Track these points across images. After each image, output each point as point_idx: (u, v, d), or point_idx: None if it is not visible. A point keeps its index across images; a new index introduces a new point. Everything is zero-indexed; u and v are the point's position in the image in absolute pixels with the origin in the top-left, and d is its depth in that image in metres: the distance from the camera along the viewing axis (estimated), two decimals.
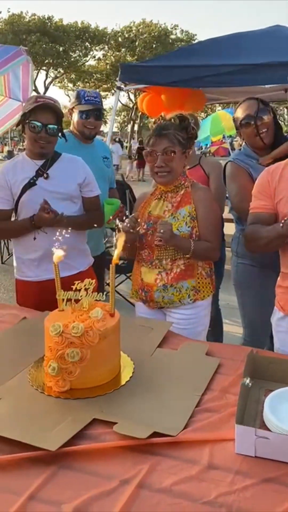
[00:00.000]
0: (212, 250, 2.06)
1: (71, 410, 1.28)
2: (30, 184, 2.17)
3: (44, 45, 29.85)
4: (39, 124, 2.09)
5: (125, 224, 2.01)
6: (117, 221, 2.41)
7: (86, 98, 2.68)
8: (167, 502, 0.97)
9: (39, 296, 2.17)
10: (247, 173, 2.34)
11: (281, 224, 1.66)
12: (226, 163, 2.51)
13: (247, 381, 1.26)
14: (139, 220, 2.05)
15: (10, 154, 27.78)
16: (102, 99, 2.81)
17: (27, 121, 2.11)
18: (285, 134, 2.50)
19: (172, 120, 2.03)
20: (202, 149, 21.31)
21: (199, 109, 4.88)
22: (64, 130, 2.87)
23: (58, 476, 1.06)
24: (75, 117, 2.73)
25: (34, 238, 2.19)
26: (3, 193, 2.20)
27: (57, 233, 1.63)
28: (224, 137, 12.53)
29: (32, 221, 2.14)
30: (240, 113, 2.38)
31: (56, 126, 2.13)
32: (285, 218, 1.65)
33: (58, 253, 1.49)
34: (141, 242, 2.08)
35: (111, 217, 2.53)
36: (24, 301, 2.26)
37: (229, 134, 11.71)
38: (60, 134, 2.20)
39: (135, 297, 2.20)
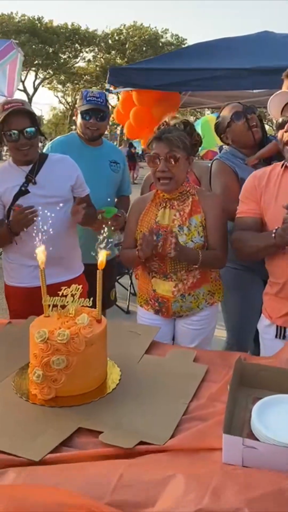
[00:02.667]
0: (219, 259, 2.04)
1: (56, 419, 1.26)
2: (22, 192, 2.12)
3: (33, 46, 29.72)
4: (15, 132, 2.02)
5: (143, 250, 1.91)
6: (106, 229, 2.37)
7: (88, 98, 2.59)
8: None
9: (32, 302, 2.07)
10: (232, 172, 2.33)
11: (273, 235, 1.65)
12: (213, 161, 2.49)
13: (229, 386, 1.25)
14: (139, 233, 2.00)
15: None
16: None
17: (1, 132, 2.05)
18: (269, 135, 2.49)
19: (177, 125, 1.98)
20: None
21: (172, 111, 4.84)
22: (71, 132, 2.87)
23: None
24: (79, 118, 2.65)
25: (16, 243, 2.13)
26: None
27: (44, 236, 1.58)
28: (217, 146, 12.57)
29: (8, 228, 2.07)
30: (227, 112, 2.38)
31: (33, 129, 2.06)
32: (276, 228, 1.64)
33: (40, 250, 1.45)
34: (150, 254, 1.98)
35: (106, 218, 2.47)
36: (16, 308, 2.22)
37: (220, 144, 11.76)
38: (40, 134, 2.13)
39: (144, 305, 2.14)
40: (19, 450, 1.11)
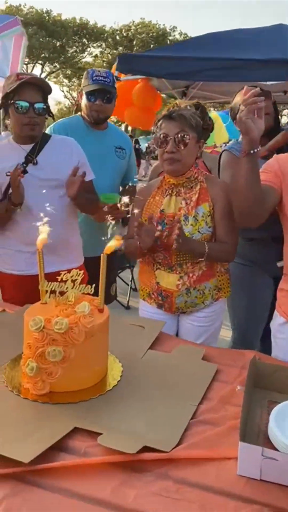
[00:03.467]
0: (228, 252, 1.90)
1: (50, 417, 1.12)
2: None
3: (41, 39, 29.53)
4: (25, 103, 1.88)
5: (143, 240, 1.77)
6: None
7: (94, 78, 2.39)
8: None
9: (27, 291, 1.91)
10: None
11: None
12: (222, 152, 2.38)
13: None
14: (145, 221, 1.86)
15: None
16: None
17: (11, 102, 1.90)
18: (282, 125, 2.36)
19: (188, 107, 1.85)
20: None
21: (154, 109, 4.72)
22: (76, 114, 2.69)
23: (31, 497, 0.90)
24: (83, 99, 2.46)
25: (21, 209, 1.96)
26: None
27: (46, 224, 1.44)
28: (215, 145, 12.36)
29: (9, 198, 1.92)
30: (240, 97, 2.25)
31: (44, 105, 1.93)
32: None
33: (43, 230, 1.32)
34: (154, 245, 1.84)
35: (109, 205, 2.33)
36: (11, 297, 2.08)
37: (222, 143, 11.54)
38: (47, 113, 1.99)
39: (147, 299, 2.01)
40: (6, 450, 0.98)
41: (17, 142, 2.02)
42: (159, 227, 1.84)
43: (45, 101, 1.94)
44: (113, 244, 1.32)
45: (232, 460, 0.99)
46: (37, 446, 1.00)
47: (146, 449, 1.01)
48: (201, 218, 1.84)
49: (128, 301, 4.38)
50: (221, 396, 1.25)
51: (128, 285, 4.50)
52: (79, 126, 2.52)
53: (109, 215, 2.28)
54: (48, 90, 1.95)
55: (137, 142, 17.95)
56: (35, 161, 2.00)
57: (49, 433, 1.05)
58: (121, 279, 4.52)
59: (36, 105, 1.90)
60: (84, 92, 2.45)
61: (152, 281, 1.94)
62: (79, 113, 2.63)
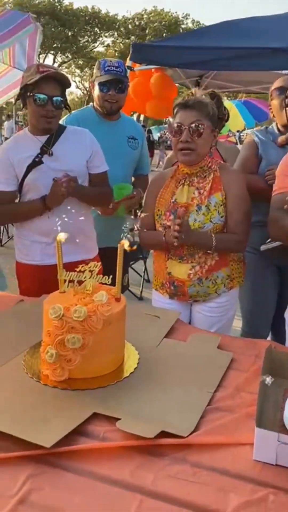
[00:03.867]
0: (237, 244, 1.89)
1: (69, 402, 1.15)
2: (35, 163, 2.00)
3: (52, 29, 29.38)
4: (44, 96, 1.90)
5: (172, 233, 1.76)
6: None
7: (106, 68, 2.39)
8: None
9: (43, 281, 1.97)
10: (255, 146, 2.27)
11: None
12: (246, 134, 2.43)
13: (267, 379, 1.12)
14: (158, 211, 1.88)
15: None
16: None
17: (29, 94, 1.92)
18: None
19: (203, 96, 1.84)
20: None
21: (170, 96, 4.69)
22: (87, 106, 2.70)
23: (53, 477, 0.93)
24: (96, 90, 2.46)
25: (48, 217, 2.02)
26: (6, 173, 2.01)
27: (64, 215, 1.47)
28: (230, 132, 12.24)
29: (43, 201, 1.98)
30: (277, 83, 2.26)
31: (61, 98, 1.95)
32: None
33: (61, 236, 1.35)
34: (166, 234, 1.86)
35: (115, 202, 2.35)
36: (27, 287, 2.12)
37: (236, 130, 11.43)
38: (64, 106, 2.01)
39: (159, 289, 2.03)
40: (29, 435, 1.01)
41: (33, 133, 2.05)
42: (171, 217, 1.85)
43: (63, 94, 1.96)
44: (127, 242, 1.34)
45: (247, 446, 1.01)
46: (58, 431, 1.03)
47: (163, 434, 1.03)
48: (213, 208, 1.84)
49: (141, 292, 4.41)
50: (237, 383, 1.27)
51: (141, 276, 4.53)
52: (91, 118, 2.52)
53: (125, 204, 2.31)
54: (67, 84, 1.98)
55: (149, 132, 17.86)
56: (50, 152, 2.02)
57: (69, 418, 1.08)
58: (134, 270, 4.55)
59: (54, 99, 1.92)
60: (96, 83, 2.45)
61: (164, 271, 1.96)
62: (91, 104, 2.63)
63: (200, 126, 1.77)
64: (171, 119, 1.89)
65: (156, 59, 4.15)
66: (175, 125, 1.80)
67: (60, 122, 2.55)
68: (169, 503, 0.87)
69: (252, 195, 1.94)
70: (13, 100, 3.44)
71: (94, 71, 2.51)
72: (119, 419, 1.08)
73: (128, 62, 4.25)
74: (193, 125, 1.77)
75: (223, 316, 1.99)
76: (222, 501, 0.88)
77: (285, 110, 2.17)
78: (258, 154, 2.23)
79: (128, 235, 1.52)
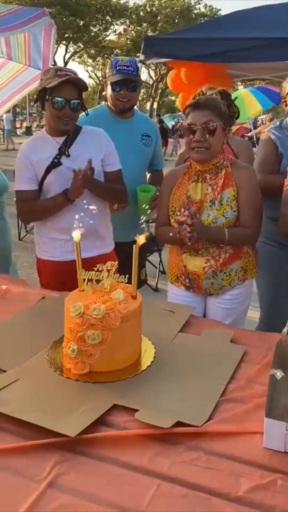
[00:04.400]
0: (249, 237, 1.95)
1: (91, 394, 1.24)
2: (55, 164, 2.08)
3: (64, 19, 29.20)
4: (62, 100, 1.97)
5: (185, 233, 1.82)
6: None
7: (117, 68, 2.45)
8: (194, 498, 0.92)
9: (62, 276, 2.07)
10: (273, 144, 2.26)
11: None
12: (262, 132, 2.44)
13: (278, 373, 1.19)
14: (172, 208, 1.94)
15: (28, 130, 27.66)
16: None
17: (48, 97, 1.99)
18: None
19: (214, 95, 1.89)
20: None
21: (227, 88, 4.69)
22: (100, 105, 2.77)
23: (78, 463, 1.01)
24: (108, 89, 2.52)
25: (74, 204, 2.08)
26: (28, 173, 2.10)
27: (82, 212, 1.54)
28: (249, 119, 12.10)
29: (65, 195, 2.05)
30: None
31: (79, 101, 2.02)
32: None
33: (76, 234, 1.42)
34: (180, 229, 1.92)
35: (147, 207, 2.39)
36: (47, 282, 2.21)
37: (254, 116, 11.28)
38: (81, 109, 2.08)
39: (174, 282, 2.10)
40: (54, 425, 1.09)
41: (50, 134, 2.12)
42: (186, 213, 1.91)
43: (80, 97, 2.03)
44: (142, 238, 1.40)
45: (258, 435, 1.08)
46: (81, 421, 1.11)
47: (179, 424, 1.11)
48: (225, 203, 1.89)
49: (156, 284, 4.48)
50: (248, 376, 1.33)
51: (156, 268, 4.60)
52: (106, 116, 2.58)
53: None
54: (85, 88, 2.05)
55: (161, 121, 17.77)
56: (67, 153, 2.09)
57: (91, 410, 1.16)
58: (150, 262, 4.61)
59: (72, 102, 1.99)
60: (109, 83, 2.51)
61: (179, 264, 2.02)
62: (103, 103, 2.69)
63: (212, 125, 1.82)
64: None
65: (168, 52, 4.16)
66: (188, 125, 1.85)
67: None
68: (184, 486, 0.95)
69: (273, 193, 1.97)
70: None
71: (107, 70, 2.57)
72: (137, 410, 1.16)
73: (141, 56, 4.27)
74: (205, 125, 1.82)
75: (237, 309, 2.05)
76: (234, 485, 0.95)
77: None
78: (278, 153, 2.22)
79: (144, 226, 1.61)
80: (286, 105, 2.32)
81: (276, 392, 1.23)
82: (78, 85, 2.01)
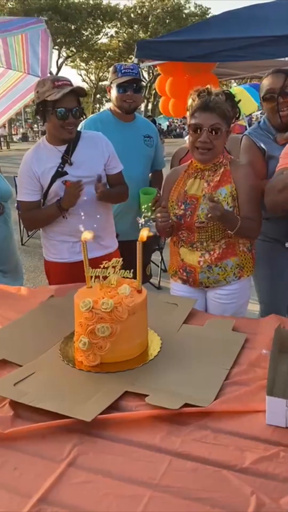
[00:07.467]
0: (254, 229, 2.03)
1: (103, 384, 1.31)
2: (60, 173, 2.15)
3: (56, 24, 29.39)
4: (65, 110, 2.03)
5: (159, 220, 1.96)
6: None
7: (123, 71, 2.57)
8: (204, 470, 1.00)
9: (71, 276, 2.13)
10: (258, 149, 2.25)
11: None
12: (242, 136, 2.45)
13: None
14: (171, 202, 2.04)
15: (25, 137, 27.76)
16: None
17: (49, 108, 2.04)
18: None
19: (220, 95, 1.93)
20: None
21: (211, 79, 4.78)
22: (103, 109, 2.87)
23: (95, 445, 1.09)
24: (114, 92, 2.62)
25: (65, 217, 2.18)
26: (32, 186, 2.17)
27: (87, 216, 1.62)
28: (244, 115, 12.17)
29: (59, 204, 2.13)
30: (265, 85, 2.28)
31: (79, 108, 2.09)
32: None
33: (86, 235, 1.50)
34: (178, 223, 2.02)
35: (148, 206, 2.47)
36: (56, 283, 2.28)
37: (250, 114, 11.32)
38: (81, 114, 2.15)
39: (173, 276, 2.18)
40: (71, 412, 1.17)
41: (52, 143, 2.18)
42: (182, 206, 2.00)
43: (79, 103, 2.10)
44: (145, 233, 1.48)
45: (261, 413, 1.16)
46: (96, 407, 1.19)
47: (187, 406, 1.19)
48: (222, 199, 1.96)
49: (159, 282, 4.56)
50: (250, 360, 1.41)
51: (158, 266, 4.68)
52: (109, 120, 2.69)
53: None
54: (83, 94, 2.12)
55: (154, 122, 17.85)
56: (70, 162, 2.16)
57: (104, 397, 1.24)
58: (152, 261, 4.69)
59: (73, 110, 2.06)
60: (114, 85, 2.61)
61: (177, 258, 2.11)
62: (108, 108, 2.79)
63: (219, 128, 1.90)
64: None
65: (160, 54, 4.24)
66: (195, 125, 1.92)
67: (80, 125, 2.73)
68: (194, 461, 1.03)
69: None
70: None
71: (110, 75, 2.68)
72: (147, 395, 1.24)
73: (135, 60, 4.36)
74: (212, 127, 1.89)
75: (235, 304, 2.10)
76: (240, 458, 1.03)
77: (279, 114, 2.17)
78: (265, 155, 2.23)
79: (143, 221, 1.70)
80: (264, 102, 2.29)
81: (276, 373, 1.32)
82: (77, 92, 2.08)
